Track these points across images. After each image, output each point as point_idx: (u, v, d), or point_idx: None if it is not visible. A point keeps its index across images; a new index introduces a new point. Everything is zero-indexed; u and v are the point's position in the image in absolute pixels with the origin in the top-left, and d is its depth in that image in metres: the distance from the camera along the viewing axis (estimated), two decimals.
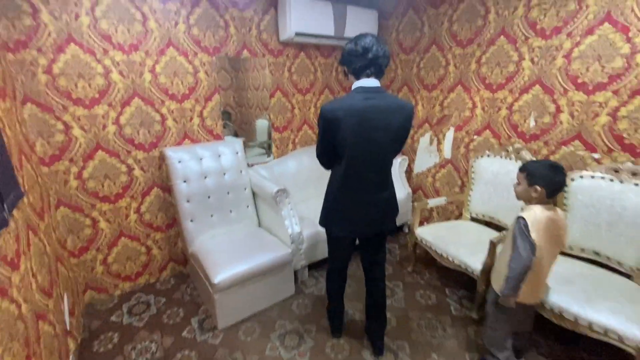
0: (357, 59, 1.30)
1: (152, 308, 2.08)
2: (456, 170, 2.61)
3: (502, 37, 2.13)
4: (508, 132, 2.22)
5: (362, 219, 1.44)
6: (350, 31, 2.67)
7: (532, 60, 2.01)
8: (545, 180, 1.29)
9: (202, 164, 2.20)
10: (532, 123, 2.08)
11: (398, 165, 2.85)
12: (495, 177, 2.22)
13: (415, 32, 2.67)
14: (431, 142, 2.74)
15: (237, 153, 2.36)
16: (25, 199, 1.45)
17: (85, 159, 1.94)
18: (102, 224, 2.07)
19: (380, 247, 1.59)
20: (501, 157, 2.21)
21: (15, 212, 1.32)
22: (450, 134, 2.58)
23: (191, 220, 2.16)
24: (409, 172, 2.98)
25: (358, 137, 1.30)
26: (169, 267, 2.41)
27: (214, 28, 2.22)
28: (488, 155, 2.28)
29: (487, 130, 2.34)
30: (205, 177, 2.21)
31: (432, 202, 2.33)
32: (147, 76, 2.04)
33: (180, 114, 2.21)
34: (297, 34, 2.43)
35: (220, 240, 2.15)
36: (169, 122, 2.19)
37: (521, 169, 1.39)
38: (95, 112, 1.91)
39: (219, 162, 2.27)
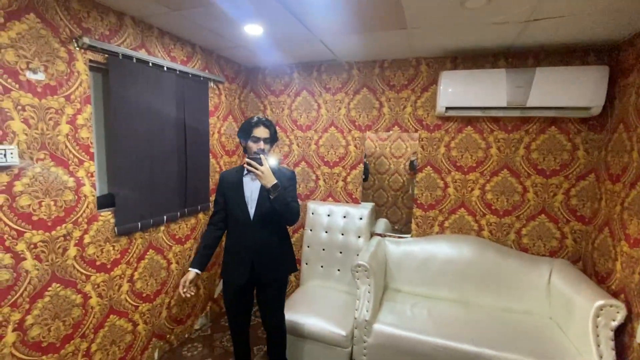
0: None
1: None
2: None
3: None
4: None
5: None
6: (542, 99, 1.99)
7: None
8: None
9: (328, 219, 2.56)
10: None
11: (594, 313, 1.62)
12: None
13: None
14: None
15: (360, 218, 2.49)
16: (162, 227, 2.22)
17: None
18: None
19: None
20: None
21: (139, 235, 1.92)
22: None
23: (306, 263, 2.58)
24: (626, 334, 1.60)
25: None
26: None
27: (368, 109, 2.56)
28: None
29: None
30: (326, 232, 2.55)
31: None
32: (313, 147, 2.75)
33: (329, 177, 2.73)
34: (448, 109, 2.21)
35: (315, 292, 2.39)
36: (321, 182, 2.76)
37: None
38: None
39: (341, 221, 2.53)
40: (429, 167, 2.45)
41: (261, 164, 1.51)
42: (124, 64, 1.73)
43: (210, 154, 2.45)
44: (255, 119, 1.64)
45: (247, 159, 1.52)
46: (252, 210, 1.68)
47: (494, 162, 2.30)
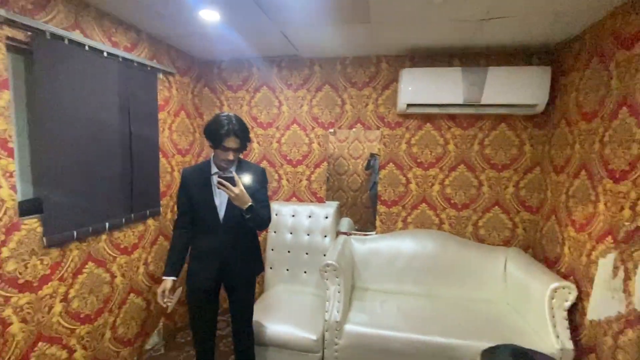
0: None
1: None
2: None
3: None
4: None
5: None
6: (494, 97, 2.10)
7: None
8: None
9: (292, 220, 2.45)
10: None
11: (549, 295, 1.73)
12: None
13: (600, 89, 1.67)
14: (615, 274, 1.49)
15: (326, 217, 2.42)
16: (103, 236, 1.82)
17: None
18: None
19: None
20: None
21: (75, 245, 1.65)
22: None
23: (270, 268, 2.44)
24: (578, 313, 1.73)
25: None
26: None
27: (331, 106, 2.52)
28: None
29: None
30: (291, 233, 2.44)
31: None
32: (275, 145, 2.63)
33: (293, 176, 2.63)
34: (410, 105, 2.24)
35: (282, 297, 2.26)
36: (284, 182, 2.65)
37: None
38: None
39: (306, 221, 2.44)
40: (391, 163, 2.48)
41: (234, 184, 1.37)
42: (52, 45, 1.47)
43: (160, 153, 2.22)
44: (226, 127, 1.41)
45: (218, 179, 1.38)
46: (222, 213, 1.55)
47: (452, 157, 2.39)
